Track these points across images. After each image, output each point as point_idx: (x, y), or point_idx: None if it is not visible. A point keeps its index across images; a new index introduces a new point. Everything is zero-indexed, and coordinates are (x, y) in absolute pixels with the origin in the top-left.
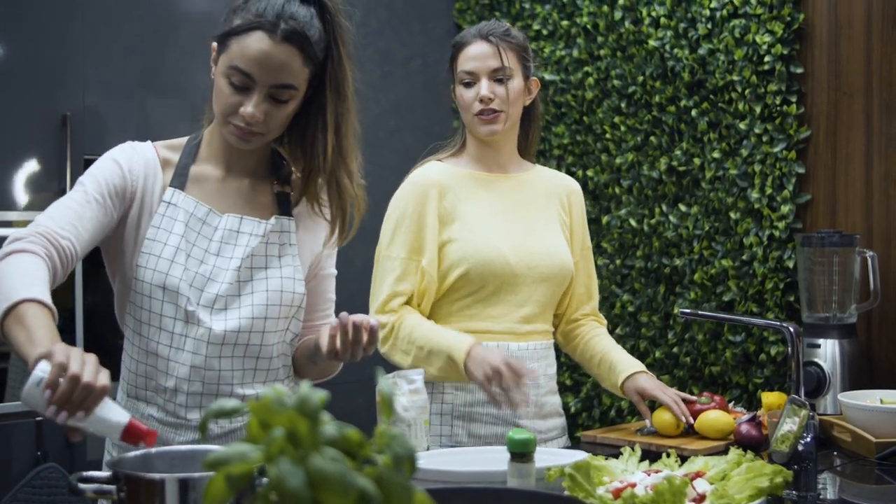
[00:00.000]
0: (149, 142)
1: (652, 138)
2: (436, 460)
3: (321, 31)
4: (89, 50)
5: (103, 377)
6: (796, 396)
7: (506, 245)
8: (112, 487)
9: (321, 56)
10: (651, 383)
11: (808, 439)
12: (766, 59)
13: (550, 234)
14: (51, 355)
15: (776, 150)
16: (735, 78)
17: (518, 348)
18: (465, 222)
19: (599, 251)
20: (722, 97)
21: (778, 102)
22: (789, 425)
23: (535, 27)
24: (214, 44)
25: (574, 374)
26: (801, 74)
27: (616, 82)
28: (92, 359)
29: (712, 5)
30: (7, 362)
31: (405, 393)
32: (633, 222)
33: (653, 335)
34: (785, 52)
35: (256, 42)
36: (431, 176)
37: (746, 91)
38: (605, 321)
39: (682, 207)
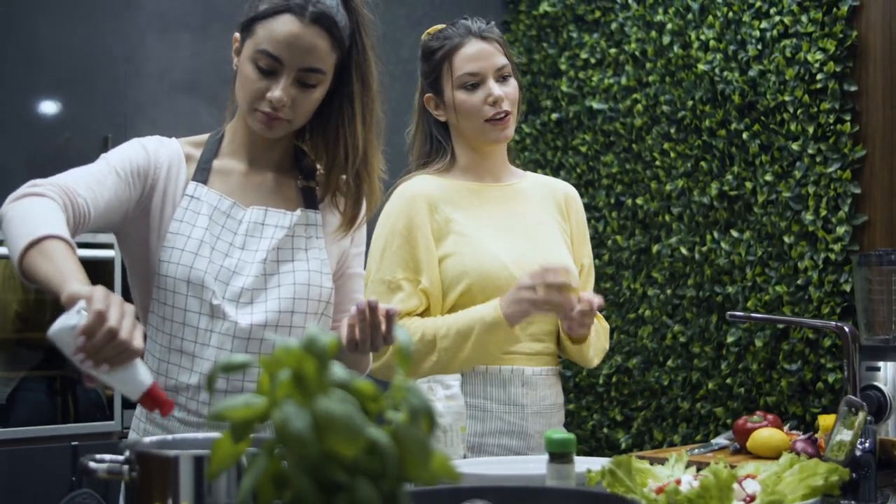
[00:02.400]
0: (174, 138)
1: (702, 163)
2: (473, 467)
3: (346, 20)
4: (131, 72)
5: (138, 337)
6: (853, 397)
7: (507, 256)
8: (125, 467)
9: (347, 43)
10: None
11: (867, 445)
12: (819, 77)
13: (551, 242)
14: (90, 300)
15: (830, 170)
16: (787, 98)
17: (533, 373)
18: (460, 235)
19: (650, 281)
20: (774, 118)
21: (831, 121)
22: (845, 433)
23: (583, 56)
24: (237, 34)
25: (624, 409)
26: (855, 92)
27: (665, 108)
28: (130, 313)
29: (762, 26)
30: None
31: (441, 398)
32: (683, 250)
33: (705, 366)
34: (838, 69)
35: (285, 24)
36: (419, 188)
37: (799, 111)
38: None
39: (735, 233)
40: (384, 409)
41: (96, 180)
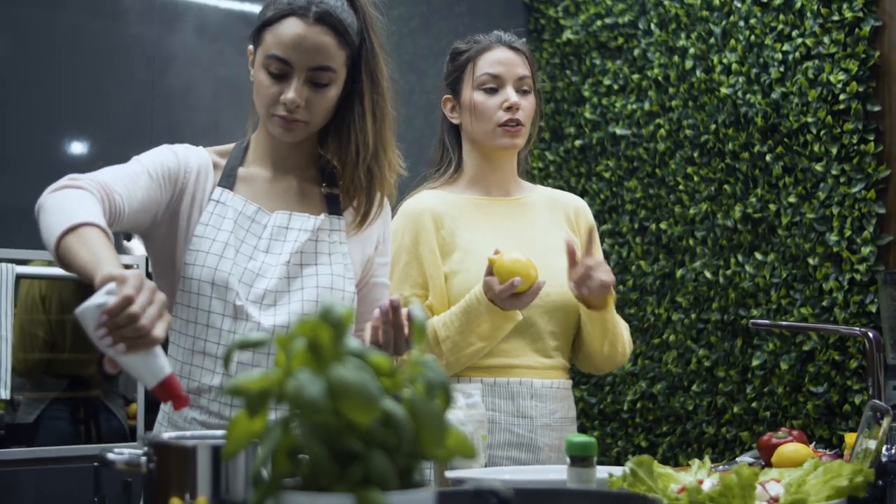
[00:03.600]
0: (201, 146)
1: (726, 187)
2: (495, 475)
3: (353, 18)
4: (158, 99)
5: (160, 328)
6: (878, 402)
7: None
8: (143, 458)
9: (356, 42)
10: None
11: (894, 451)
12: (842, 97)
13: (561, 255)
14: (122, 283)
15: (854, 190)
16: (810, 119)
17: (542, 385)
18: (466, 252)
19: (674, 306)
20: (797, 140)
21: (855, 142)
22: (870, 442)
23: (606, 82)
24: (250, 47)
25: (649, 436)
26: (879, 112)
27: (688, 132)
28: (160, 301)
29: (784, 48)
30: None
31: (462, 407)
32: (708, 274)
33: (730, 390)
34: (860, 89)
35: (290, 27)
36: (425, 204)
37: (822, 132)
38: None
39: (759, 256)
40: (400, 384)
41: (130, 179)
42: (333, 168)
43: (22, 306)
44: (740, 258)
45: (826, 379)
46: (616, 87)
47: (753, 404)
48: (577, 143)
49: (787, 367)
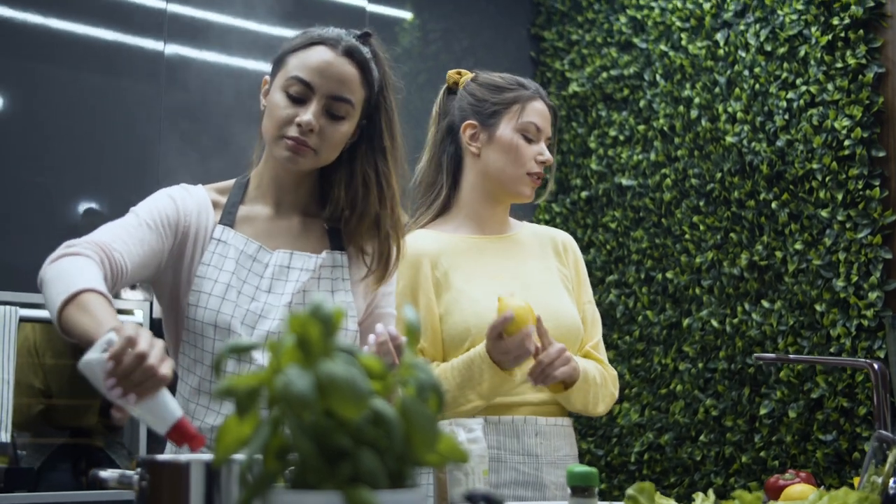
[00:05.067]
0: (199, 185)
1: (732, 235)
2: None
3: (377, 72)
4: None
5: (167, 367)
6: (884, 432)
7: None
8: (135, 477)
9: (375, 89)
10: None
11: None
12: (847, 143)
13: (554, 292)
14: (120, 329)
15: (861, 236)
16: (815, 166)
17: (546, 423)
18: (461, 291)
19: (681, 356)
20: (802, 187)
21: (860, 187)
22: (877, 478)
23: (612, 133)
24: (266, 77)
25: (657, 487)
26: (884, 157)
27: (694, 181)
28: (160, 344)
29: (789, 96)
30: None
31: (463, 441)
32: (714, 323)
33: (738, 440)
34: (865, 135)
35: (318, 53)
36: (421, 246)
37: (827, 178)
38: (614, 373)
39: (766, 304)
40: (391, 387)
41: (128, 234)
42: (336, 204)
43: (19, 353)
44: (747, 306)
45: (835, 427)
46: (622, 138)
47: (762, 453)
48: (584, 194)
49: (795, 416)
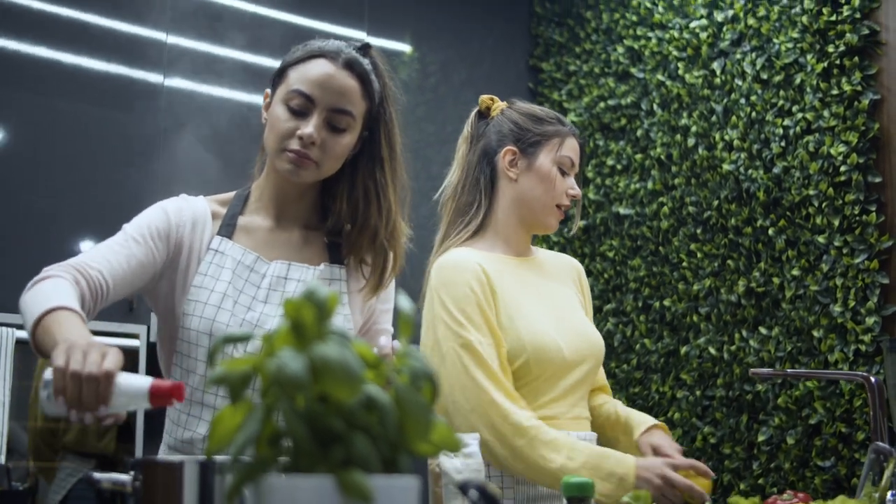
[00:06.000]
0: (201, 196)
1: (729, 262)
2: None
3: (378, 83)
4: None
5: (109, 360)
6: (881, 444)
7: (555, 330)
8: (128, 478)
9: (376, 101)
10: (667, 441)
11: None
12: (843, 169)
13: (579, 314)
14: (53, 359)
15: (857, 261)
16: (811, 192)
17: (585, 437)
18: (509, 307)
19: (678, 383)
20: (799, 213)
21: (857, 213)
22: (876, 493)
23: (609, 163)
24: (267, 91)
25: None
26: (879, 183)
27: (691, 209)
28: (97, 346)
29: (785, 123)
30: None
31: (458, 455)
32: (712, 350)
33: (736, 467)
34: (861, 161)
35: (319, 66)
36: (471, 257)
37: (824, 204)
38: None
39: (763, 330)
40: (385, 376)
41: (111, 251)
42: (336, 217)
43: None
44: (744, 333)
45: (833, 452)
46: (619, 167)
47: (760, 480)
48: (581, 223)
49: (793, 442)
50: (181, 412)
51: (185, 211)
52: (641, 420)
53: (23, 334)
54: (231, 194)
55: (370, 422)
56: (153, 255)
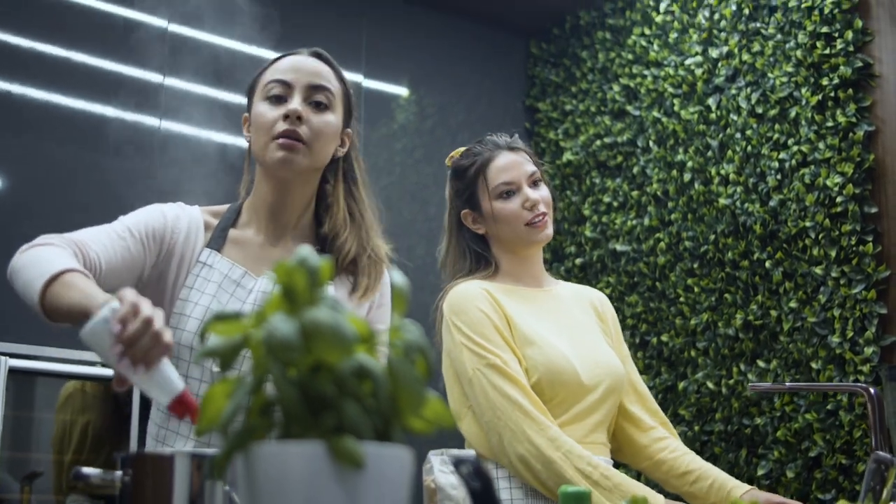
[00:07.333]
0: (196, 206)
1: (726, 296)
2: None
3: (343, 85)
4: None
5: (169, 335)
6: (882, 453)
7: (571, 354)
8: (117, 473)
9: (350, 90)
10: (777, 497)
11: None
12: (839, 200)
13: (601, 344)
14: (123, 297)
15: (855, 291)
16: (808, 224)
17: (604, 461)
18: (520, 331)
19: (677, 419)
20: (796, 245)
21: (853, 243)
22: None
23: (606, 200)
24: (245, 114)
25: None
26: (876, 214)
27: (688, 244)
28: (161, 312)
29: (781, 156)
30: None
31: (454, 471)
32: (710, 385)
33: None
34: (857, 191)
35: (288, 59)
36: (478, 285)
37: (820, 236)
38: (674, 431)
39: (761, 363)
40: (377, 349)
41: (108, 237)
42: (327, 232)
43: (61, 410)
44: (742, 367)
45: (834, 485)
46: (616, 204)
47: None
48: (578, 261)
49: (793, 475)
50: (160, 427)
51: (181, 219)
52: (738, 483)
53: (17, 363)
54: (224, 207)
55: (363, 392)
56: (144, 253)
